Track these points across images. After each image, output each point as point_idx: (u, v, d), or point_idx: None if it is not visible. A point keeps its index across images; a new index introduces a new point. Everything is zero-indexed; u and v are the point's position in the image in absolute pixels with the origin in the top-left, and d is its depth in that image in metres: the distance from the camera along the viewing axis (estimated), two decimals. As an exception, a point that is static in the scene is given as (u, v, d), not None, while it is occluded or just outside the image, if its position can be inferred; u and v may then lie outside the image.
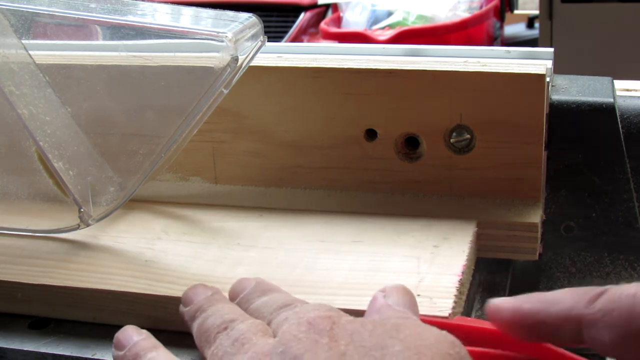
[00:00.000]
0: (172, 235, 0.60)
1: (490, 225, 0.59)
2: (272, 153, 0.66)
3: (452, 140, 0.61)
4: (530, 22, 3.48)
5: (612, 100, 0.59)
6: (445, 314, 0.48)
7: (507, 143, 0.60)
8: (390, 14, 3.03)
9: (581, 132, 0.60)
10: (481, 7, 3.13)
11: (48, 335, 0.53)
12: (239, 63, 0.54)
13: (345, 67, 0.62)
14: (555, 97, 0.61)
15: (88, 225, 0.59)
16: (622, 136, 0.59)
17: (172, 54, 0.57)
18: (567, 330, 0.39)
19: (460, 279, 0.52)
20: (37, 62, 0.58)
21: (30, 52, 0.58)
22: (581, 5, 2.31)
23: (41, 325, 0.54)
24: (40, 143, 0.57)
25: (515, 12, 3.54)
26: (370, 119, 0.63)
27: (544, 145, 0.60)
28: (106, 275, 0.55)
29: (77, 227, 0.60)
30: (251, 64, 0.57)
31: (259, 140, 0.65)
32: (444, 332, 0.39)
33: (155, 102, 0.59)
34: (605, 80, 0.63)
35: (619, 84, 0.64)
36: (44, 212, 0.61)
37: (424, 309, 0.48)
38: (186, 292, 0.49)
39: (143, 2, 0.58)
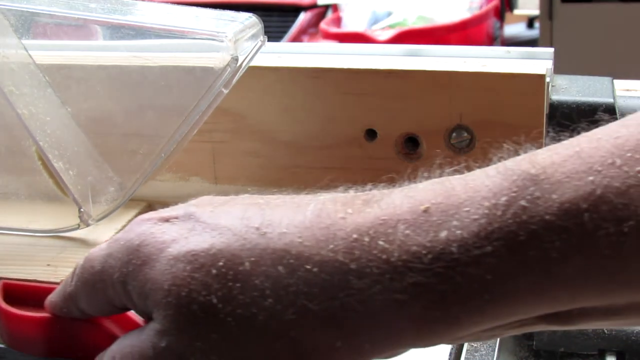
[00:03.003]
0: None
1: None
2: (272, 153, 0.66)
3: (452, 141, 0.61)
4: (530, 22, 3.48)
5: (612, 100, 0.59)
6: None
7: (507, 143, 0.60)
8: (390, 14, 3.04)
9: (581, 132, 0.60)
10: (481, 7, 3.13)
11: (48, 335, 0.53)
12: (239, 63, 0.54)
13: (345, 67, 0.62)
14: (555, 97, 0.61)
15: (88, 225, 0.59)
16: (622, 136, 0.59)
17: (172, 53, 0.57)
18: (72, 308, 0.41)
19: None
20: (37, 62, 0.58)
21: (30, 52, 0.58)
22: (581, 5, 2.31)
23: (41, 325, 0.54)
24: (40, 143, 0.57)
25: (515, 12, 3.54)
26: (370, 119, 0.63)
27: (544, 145, 0.60)
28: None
29: (77, 227, 0.60)
30: (251, 64, 0.57)
31: (259, 140, 0.65)
32: None
33: (155, 102, 0.59)
34: (605, 80, 0.63)
35: (619, 84, 0.64)
36: (44, 212, 0.61)
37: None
38: None
39: (143, 2, 0.58)
